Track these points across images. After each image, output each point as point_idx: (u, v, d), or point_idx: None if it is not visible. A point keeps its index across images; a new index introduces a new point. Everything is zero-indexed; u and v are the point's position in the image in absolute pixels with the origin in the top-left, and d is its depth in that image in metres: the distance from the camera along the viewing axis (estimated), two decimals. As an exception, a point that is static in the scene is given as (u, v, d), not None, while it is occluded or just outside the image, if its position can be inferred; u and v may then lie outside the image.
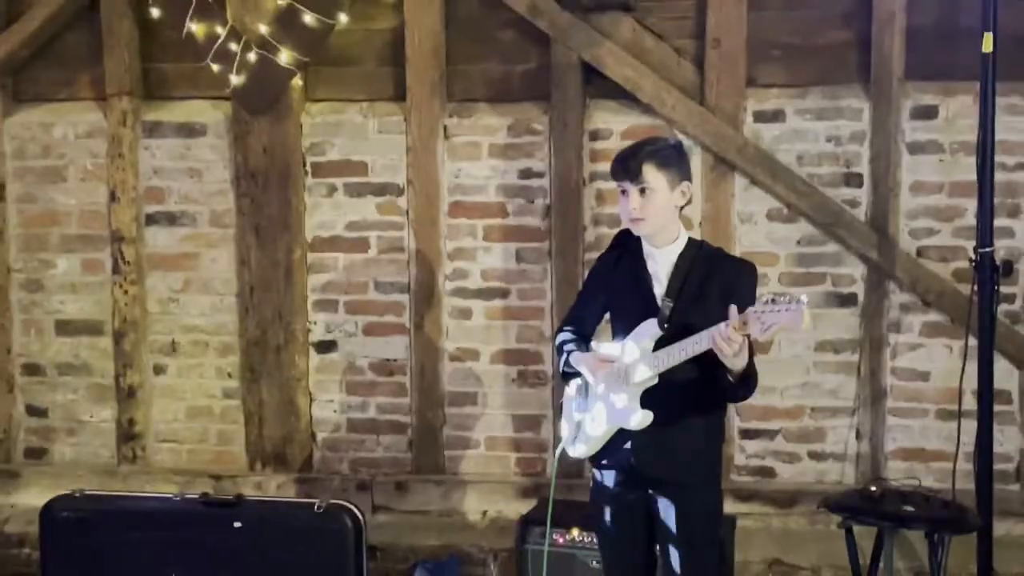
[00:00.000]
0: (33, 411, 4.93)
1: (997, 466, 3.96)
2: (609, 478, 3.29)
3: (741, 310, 2.81)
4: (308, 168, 4.64)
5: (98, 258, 4.79)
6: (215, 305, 4.76)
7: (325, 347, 4.71)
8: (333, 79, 4.62)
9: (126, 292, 4.75)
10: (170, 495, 4.58)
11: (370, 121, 4.60)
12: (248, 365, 4.72)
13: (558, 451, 3.38)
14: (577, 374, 3.28)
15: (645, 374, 3.08)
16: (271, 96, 4.55)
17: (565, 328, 3.40)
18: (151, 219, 4.76)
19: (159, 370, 4.82)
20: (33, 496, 4.66)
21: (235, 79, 4.46)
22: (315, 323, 4.71)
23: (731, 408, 4.35)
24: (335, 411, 4.73)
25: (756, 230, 4.36)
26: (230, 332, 4.75)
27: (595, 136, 4.46)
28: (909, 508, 3.21)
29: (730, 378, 2.93)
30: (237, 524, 4.39)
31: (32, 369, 4.91)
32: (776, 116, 4.34)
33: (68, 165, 4.80)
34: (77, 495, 4.55)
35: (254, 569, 4.37)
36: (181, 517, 4.46)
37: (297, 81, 4.56)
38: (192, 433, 4.82)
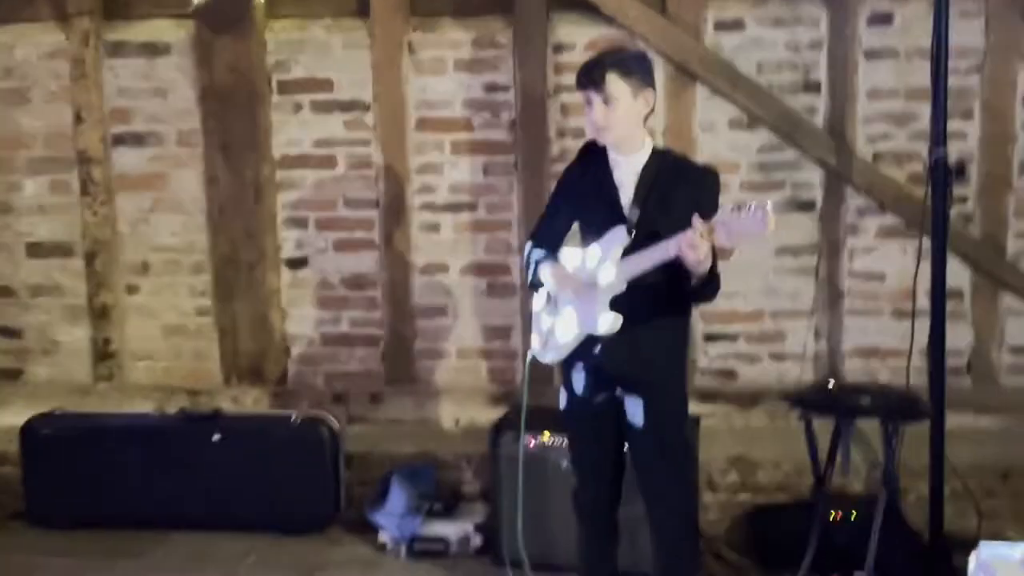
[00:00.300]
0: (7, 332, 4.98)
1: (949, 361, 4.09)
2: (579, 382, 3.41)
3: (707, 218, 2.91)
4: (274, 86, 4.66)
5: (66, 180, 4.81)
6: (185, 224, 4.80)
7: (296, 264, 4.77)
8: (296, -5, 4.63)
9: (95, 213, 4.78)
10: (149, 411, 4.70)
11: (334, 37, 4.61)
12: (221, 283, 4.78)
13: (529, 357, 3.50)
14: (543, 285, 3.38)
15: (613, 280, 3.18)
16: (234, 14, 4.55)
17: (534, 239, 3.49)
18: (118, 140, 4.77)
19: (132, 290, 4.87)
20: (10, 416, 4.75)
21: (197, -4, 4.47)
22: (286, 240, 4.77)
23: (695, 313, 4.46)
24: (308, 326, 4.81)
25: (717, 139, 4.45)
26: (201, 251, 4.80)
27: (559, 48, 4.50)
28: (864, 400, 3.36)
29: (694, 281, 3.04)
30: (216, 437, 4.51)
31: (4, 291, 4.95)
32: (736, 25, 4.39)
33: (32, 87, 4.79)
34: (57, 413, 4.65)
35: (234, 481, 4.50)
36: (161, 432, 4.57)
37: (259, -2, 4.57)
38: (167, 351, 4.89)
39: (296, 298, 4.80)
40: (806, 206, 4.44)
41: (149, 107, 4.74)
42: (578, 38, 4.47)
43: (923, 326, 3.97)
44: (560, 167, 3.81)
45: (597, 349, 3.25)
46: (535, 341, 3.45)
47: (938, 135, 3.79)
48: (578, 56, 4.29)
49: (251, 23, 4.57)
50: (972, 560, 2.82)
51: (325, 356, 4.82)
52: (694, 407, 4.34)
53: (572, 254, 3.36)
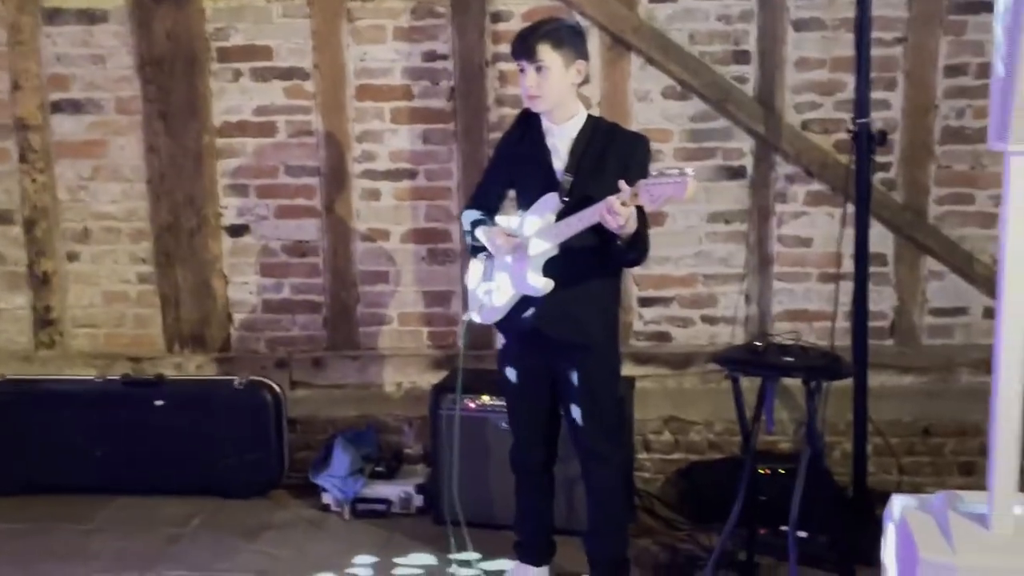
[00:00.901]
0: (-53, 301, 4.97)
1: (873, 323, 4.27)
2: (514, 343, 3.52)
3: (632, 183, 3.02)
4: (213, 53, 4.66)
5: (4, 147, 4.78)
6: (126, 192, 4.81)
7: (238, 231, 4.80)
8: (234, -37, 4.64)
9: (34, 180, 4.78)
10: (92, 376, 4.72)
11: (273, 5, 4.61)
12: (162, 250, 4.80)
13: (465, 319, 3.60)
14: (484, 248, 3.47)
15: (546, 244, 3.29)
16: (172, -19, 4.56)
17: (471, 205, 3.58)
18: (56, 107, 4.75)
19: (72, 257, 4.87)
20: (-48, 384, 4.74)
21: (135, -37, 4.47)
22: (227, 207, 4.79)
23: (629, 278, 4.59)
24: (250, 292, 4.85)
25: (651, 107, 4.54)
26: (142, 218, 4.81)
27: (497, 18, 4.56)
28: (789, 358, 3.49)
29: (619, 242, 3.15)
30: (159, 402, 4.57)
31: (-57, 260, 4.94)
32: (669, -4, 4.49)
33: (-33, 54, 4.76)
34: (-1, 380, 4.66)
35: (177, 445, 4.55)
36: (103, 397, 4.62)
37: (198, -35, 4.58)
38: (109, 318, 4.91)
39: (238, 265, 4.83)
40: (737, 173, 4.55)
41: (87, 74, 4.72)
42: (515, 7, 4.53)
43: (848, 289, 4.14)
44: (498, 135, 3.91)
45: (530, 312, 3.36)
46: (471, 304, 3.55)
47: (862, 104, 3.93)
48: (516, 25, 4.35)
49: (190, -9, 4.58)
50: (887, 511, 2.97)
51: (267, 322, 4.86)
52: (629, 370, 4.49)
53: (508, 219, 3.46)
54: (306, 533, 4.25)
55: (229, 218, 4.80)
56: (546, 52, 3.24)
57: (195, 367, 4.85)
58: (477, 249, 3.51)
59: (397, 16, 4.59)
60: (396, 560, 3.99)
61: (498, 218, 3.51)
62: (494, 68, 4.58)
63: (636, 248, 3.22)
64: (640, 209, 3.07)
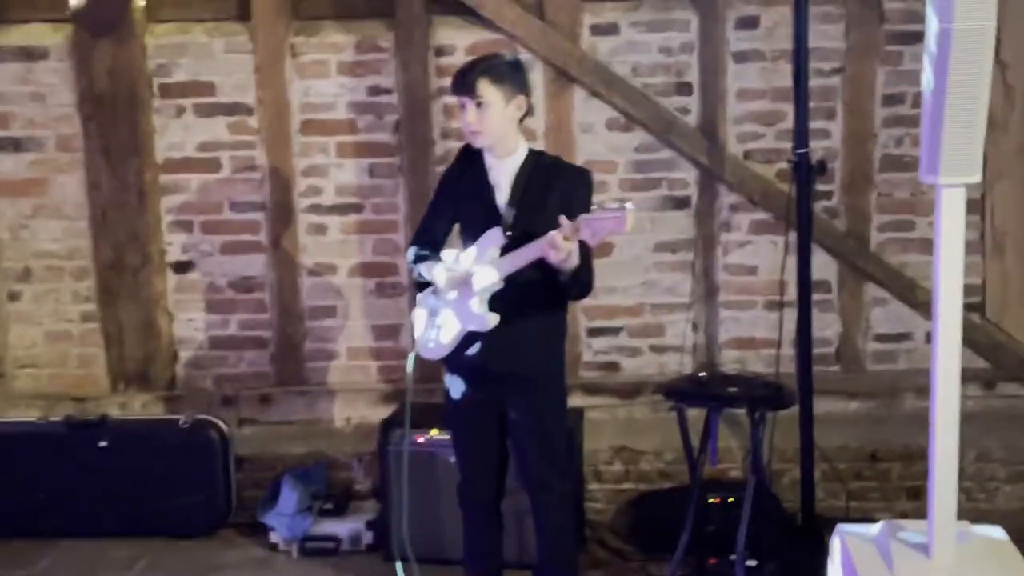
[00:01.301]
0: None
1: (818, 350, 4.31)
2: (461, 378, 3.50)
3: (573, 218, 3.03)
4: (155, 90, 4.64)
5: (-58, 187, 4.73)
6: (68, 230, 4.75)
7: (183, 267, 4.76)
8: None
9: (-26, 220, 4.72)
10: (33, 419, 4.64)
11: (216, 41, 4.61)
12: (105, 288, 4.75)
13: (412, 356, 3.58)
14: (429, 284, 3.46)
15: (491, 279, 3.28)
16: (112, 17, 4.52)
17: (416, 240, 3.57)
18: (-5, 145, 4.71)
19: (14, 297, 4.80)
20: None
21: (74, 0, 4.42)
22: (171, 244, 4.75)
23: (578, 309, 4.60)
24: (196, 329, 4.80)
25: (596, 139, 4.57)
26: (84, 256, 4.75)
27: (440, 52, 4.57)
28: (733, 389, 3.51)
29: (562, 278, 3.16)
30: (102, 443, 4.49)
31: None
32: (611, 29, 4.52)
33: (-95, 93, 4.69)
34: (-62, 423, 4.57)
35: (123, 486, 4.48)
36: (46, 440, 4.53)
37: (139, 1, 4.54)
38: (52, 358, 4.84)
39: (183, 302, 4.79)
40: (682, 203, 4.59)
41: (27, 112, 4.67)
42: (459, 41, 4.55)
43: (793, 316, 4.17)
44: (444, 168, 3.88)
45: (477, 347, 3.35)
46: (418, 339, 3.53)
47: (801, 134, 3.98)
48: (459, 59, 4.37)
49: (130, 27, 4.54)
50: (832, 540, 2.99)
51: (214, 360, 4.82)
52: (579, 400, 4.50)
53: (452, 255, 3.46)
54: (254, 572, 4.20)
55: (174, 255, 4.76)
56: (485, 88, 3.25)
57: (140, 406, 4.79)
58: (423, 285, 3.50)
59: (340, 51, 4.60)
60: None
61: (443, 252, 3.50)
62: (438, 101, 4.59)
63: (579, 282, 3.23)
64: (583, 243, 3.09)
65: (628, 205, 2.91)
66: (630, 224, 2.90)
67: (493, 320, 3.29)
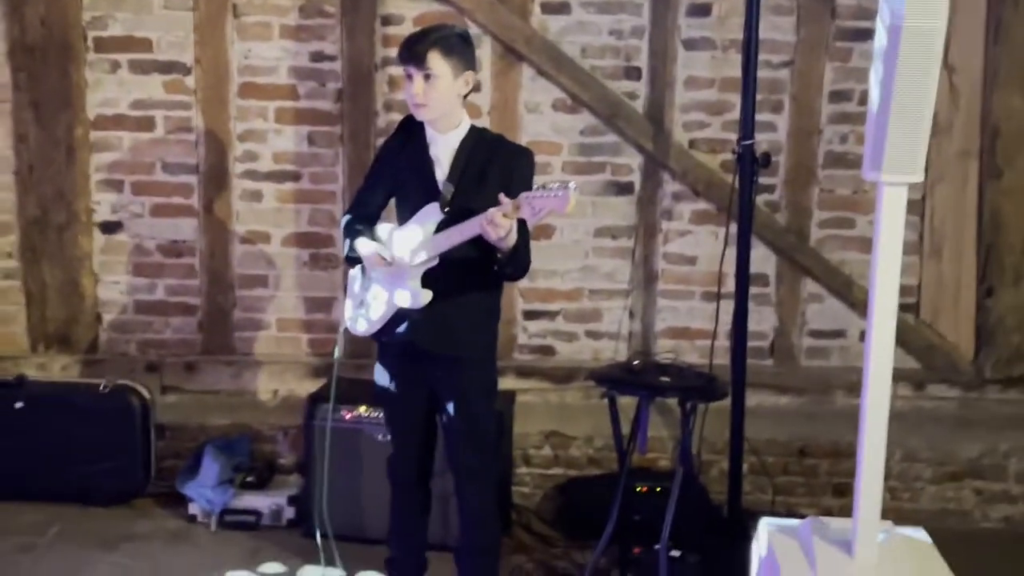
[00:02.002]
0: None
1: (753, 343, 4.31)
2: (391, 354, 3.43)
3: (514, 196, 2.97)
4: (89, 43, 4.49)
5: None
6: (-8, 183, 4.60)
7: (110, 228, 4.62)
8: (115, -50, 4.46)
9: None
10: (-54, 377, 4.49)
11: (155, -4, 4.48)
12: (28, 245, 4.60)
13: (340, 330, 3.51)
14: (360, 260, 3.38)
15: (425, 256, 3.21)
16: (48, -35, 4.37)
17: (351, 212, 3.48)
18: (-81, 92, 4.52)
19: (-68, 250, 4.65)
20: None
21: (8, -55, 4.27)
22: (99, 203, 4.61)
23: (515, 291, 4.55)
24: (121, 292, 4.67)
25: (542, 120, 4.51)
26: (8, 211, 4.60)
27: (387, 21, 4.48)
28: (665, 379, 3.48)
29: (499, 255, 3.10)
30: (19, 404, 4.36)
31: None
32: (562, 8, 4.45)
33: None
34: None
35: (37, 450, 4.35)
36: (-41, 399, 4.38)
37: (76, -50, 4.40)
38: (-31, 315, 4.69)
39: (109, 263, 4.65)
40: (625, 189, 4.55)
41: (-46, 59, 4.51)
42: (407, 11, 4.46)
43: (730, 308, 4.15)
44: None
45: (407, 324, 3.28)
46: (348, 313, 3.45)
47: (747, 125, 3.94)
48: (406, 29, 4.29)
49: (66, -24, 4.40)
50: (756, 534, 2.98)
51: (139, 324, 4.69)
52: (512, 383, 4.46)
53: (387, 229, 3.38)
54: (169, 545, 4.09)
55: (102, 214, 4.62)
56: (436, 60, 3.16)
57: (60, 368, 4.66)
58: (354, 260, 3.42)
59: (285, 14, 4.48)
60: (263, 573, 3.87)
61: (379, 227, 3.42)
62: (383, 72, 4.50)
63: (515, 262, 3.17)
64: (522, 223, 3.03)
65: (571, 185, 2.86)
66: (571, 205, 2.85)
67: (426, 297, 3.22)
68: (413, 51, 3.18)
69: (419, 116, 3.26)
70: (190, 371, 4.67)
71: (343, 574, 3.78)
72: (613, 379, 3.52)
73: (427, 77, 3.16)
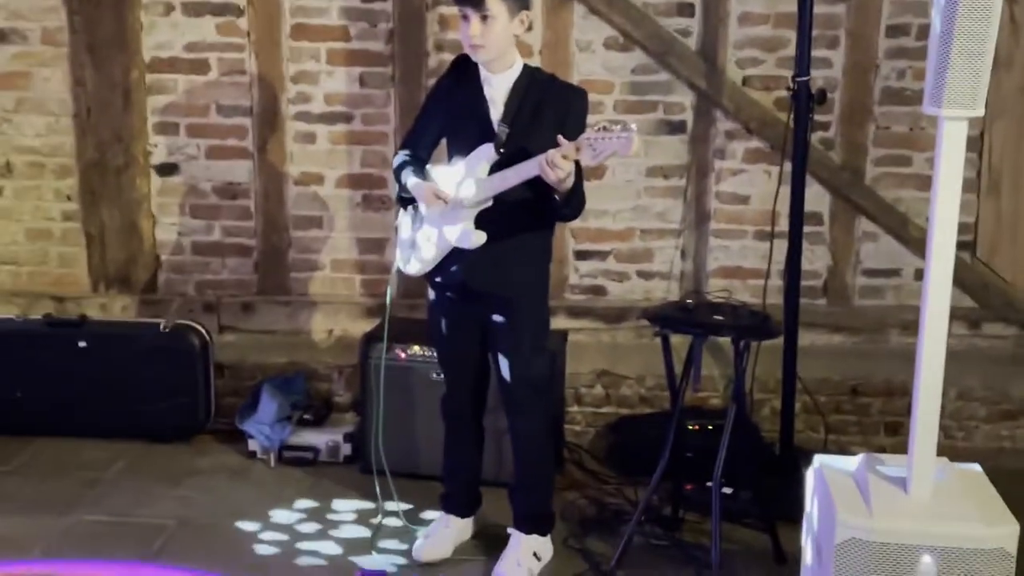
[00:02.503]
0: None
1: (806, 282, 4.29)
2: (444, 294, 3.47)
3: (574, 137, 2.98)
4: (144, -15, 4.52)
5: (-78, 76, 4.61)
6: (51, 126, 4.64)
7: (167, 170, 4.68)
8: None
9: (-46, 112, 4.62)
10: (12, 316, 4.60)
11: (208, -62, 4.48)
12: (87, 187, 4.67)
13: (393, 269, 3.55)
14: (413, 200, 3.40)
15: (480, 196, 3.23)
16: (102, -91, 4.39)
17: (402, 151, 3.50)
18: (-23, 36, 4.58)
19: (-5, 191, 4.73)
20: None
21: None
22: (156, 145, 4.66)
23: (566, 231, 4.55)
24: (179, 233, 4.73)
25: (593, 58, 4.47)
26: (67, 154, 4.66)
27: (439, -40, 4.46)
28: (718, 317, 3.48)
29: (556, 196, 3.11)
30: (82, 344, 4.47)
31: None
32: (614, -56, 4.40)
33: None
34: (-86, 317, 4.51)
35: (101, 388, 4.46)
36: (24, 337, 4.50)
37: None
38: (32, 255, 4.77)
39: (166, 205, 4.71)
40: (677, 128, 4.51)
41: (11, 2, 4.53)
42: (459, -50, 4.42)
43: (783, 248, 4.13)
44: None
45: (460, 264, 3.31)
46: (400, 253, 3.49)
47: (802, 61, 3.90)
48: (457, -32, 4.25)
49: (120, -81, 4.41)
50: (809, 471, 3.00)
51: (196, 265, 4.75)
52: (563, 323, 4.48)
53: (441, 169, 3.40)
54: (230, 480, 4.20)
55: (158, 157, 4.67)
56: (493, 1, 3.15)
57: (120, 308, 4.75)
58: (406, 200, 3.44)
59: (336, -46, 4.47)
60: (322, 507, 3.96)
61: (431, 168, 3.43)
62: (434, 12, 4.48)
63: (572, 203, 3.19)
64: (577, 163, 3.03)
65: (632, 127, 2.86)
66: (635, 147, 2.86)
67: (480, 238, 3.25)
68: (470, -8, 3.18)
69: (475, 57, 3.26)
70: (247, 311, 4.74)
71: (404, 507, 3.85)
72: (666, 318, 3.52)
73: (484, 18, 3.16)
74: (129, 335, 4.50)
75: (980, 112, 2.44)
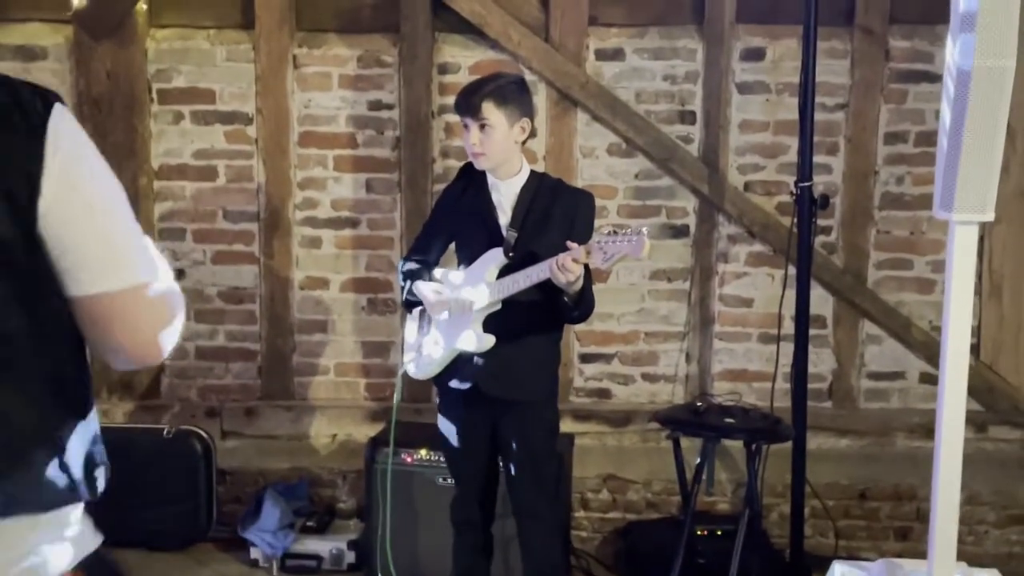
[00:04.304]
0: None
1: (812, 385, 4.29)
2: (453, 397, 3.45)
3: (583, 241, 3.01)
4: (154, 95, 4.59)
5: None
6: (58, 233, 4.67)
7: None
8: (179, 5, 4.55)
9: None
10: (14, 423, 4.55)
11: (217, 49, 4.56)
12: (93, 293, 4.67)
13: (400, 372, 3.54)
14: (420, 303, 3.41)
15: (488, 300, 3.24)
16: (114, 20, 4.48)
17: (410, 257, 3.53)
18: (-11, 145, 4.62)
19: None
20: None
21: (76, 1, 4.39)
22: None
23: (571, 334, 4.56)
24: (183, 338, 4.67)
25: (597, 164, 4.55)
26: (74, 260, 4.68)
27: (444, 69, 4.55)
28: (730, 420, 3.48)
29: (566, 299, 3.12)
30: (84, 450, 4.40)
31: None
32: (616, 54, 4.50)
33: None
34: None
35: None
36: (26, 444, 4.43)
37: (141, 5, 4.50)
38: (35, 361, 4.74)
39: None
40: (680, 232, 4.56)
41: (23, 111, 4.60)
42: (463, 60, 4.53)
43: (788, 350, 4.14)
44: (443, 186, 3.85)
45: (469, 368, 3.31)
46: (407, 357, 3.48)
47: (804, 167, 3.97)
48: (463, 78, 4.35)
49: (132, 30, 4.50)
50: (827, 576, 2.96)
51: (200, 370, 4.74)
52: (569, 426, 4.45)
53: (448, 274, 3.42)
54: (232, 589, 4.13)
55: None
56: (490, 110, 3.21)
57: (123, 414, 4.71)
58: (412, 304, 3.46)
59: (344, 64, 4.56)
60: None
61: (438, 271, 3.45)
62: (440, 119, 4.56)
63: (581, 306, 3.20)
64: (586, 266, 3.06)
65: (644, 230, 2.89)
66: (646, 249, 2.88)
67: (489, 342, 3.25)
68: (468, 102, 3.24)
69: (478, 165, 3.31)
70: (250, 416, 4.71)
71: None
72: (678, 421, 3.52)
73: (483, 127, 3.22)
74: (131, 441, 4.43)
75: (990, 216, 2.48)
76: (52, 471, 1.59)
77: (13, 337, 1.52)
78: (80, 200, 1.54)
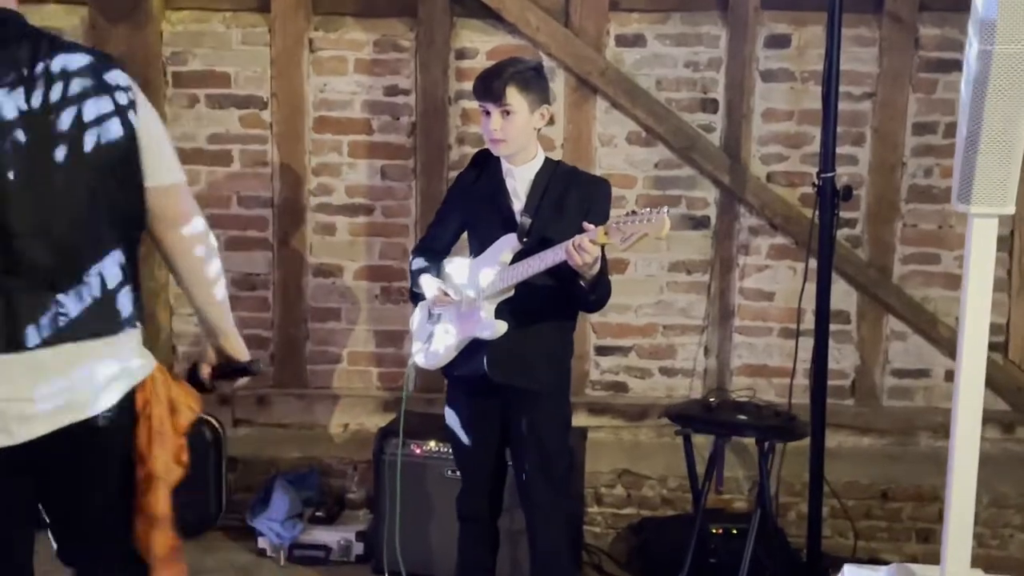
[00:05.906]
0: None
1: (833, 382, 4.18)
2: (463, 387, 3.39)
3: (600, 224, 2.92)
4: (168, 78, 4.55)
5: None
6: (72, 216, 4.66)
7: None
8: (195, -13, 4.52)
9: (-23, 200, 4.62)
10: (24, 407, 4.54)
11: (233, 32, 4.52)
12: (106, 277, 4.65)
13: (409, 363, 3.48)
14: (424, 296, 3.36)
15: (502, 285, 3.17)
16: (129, 2, 4.44)
17: (422, 245, 3.47)
18: (4, 126, 4.61)
19: (13, 281, 4.71)
20: None
21: (92, -17, 4.37)
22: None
23: (587, 325, 4.48)
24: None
25: (616, 152, 4.46)
26: (87, 243, 4.66)
27: (461, 55, 4.47)
28: (742, 417, 3.39)
29: (582, 284, 3.04)
30: (94, 435, 4.38)
31: None
32: (637, 40, 4.41)
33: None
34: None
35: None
36: (36, 429, 4.42)
37: (157, -12, 4.47)
38: (48, 345, 4.73)
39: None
40: (700, 223, 4.47)
41: (38, 94, 4.59)
42: (480, 45, 4.45)
43: (809, 345, 4.03)
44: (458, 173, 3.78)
45: (479, 356, 3.24)
46: (416, 346, 3.42)
47: (827, 158, 3.85)
48: (480, 63, 4.28)
49: (147, 13, 4.46)
50: (838, 580, 2.87)
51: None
52: (583, 420, 4.38)
53: (459, 261, 3.35)
54: (237, 578, 4.09)
55: (178, 247, 4.64)
56: (513, 96, 3.13)
57: (135, 400, 4.68)
58: (419, 296, 3.39)
59: (360, 48, 4.50)
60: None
61: (452, 260, 3.38)
62: (456, 105, 4.49)
63: (598, 291, 3.11)
64: (602, 252, 2.98)
65: (664, 209, 2.81)
66: (666, 228, 2.79)
67: (501, 328, 3.18)
68: (489, 87, 3.16)
69: (496, 151, 3.24)
70: (262, 404, 4.67)
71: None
72: (689, 417, 3.43)
73: (504, 113, 3.14)
74: (142, 427, 4.41)
75: (1011, 209, 2.37)
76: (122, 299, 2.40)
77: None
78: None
